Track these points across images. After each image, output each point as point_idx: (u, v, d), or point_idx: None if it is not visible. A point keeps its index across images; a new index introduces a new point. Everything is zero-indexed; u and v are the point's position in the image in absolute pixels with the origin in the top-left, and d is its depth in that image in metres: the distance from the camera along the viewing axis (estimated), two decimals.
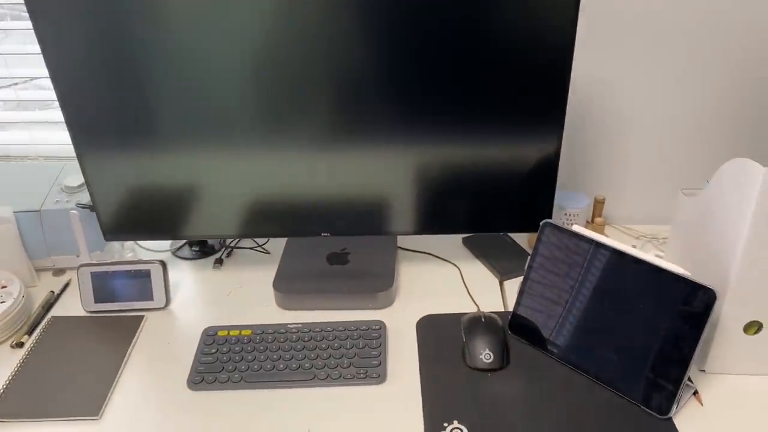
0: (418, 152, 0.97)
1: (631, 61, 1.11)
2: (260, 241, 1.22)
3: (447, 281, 1.10)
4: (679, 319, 0.79)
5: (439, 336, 0.96)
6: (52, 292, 1.08)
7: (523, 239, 1.19)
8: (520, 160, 0.98)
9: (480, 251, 1.16)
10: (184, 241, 1.21)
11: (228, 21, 0.88)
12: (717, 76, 1.11)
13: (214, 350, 0.93)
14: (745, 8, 1.05)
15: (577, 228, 0.89)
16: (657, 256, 0.84)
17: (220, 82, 0.92)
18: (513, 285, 1.07)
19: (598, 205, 1.16)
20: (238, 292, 1.08)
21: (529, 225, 1.04)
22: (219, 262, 1.16)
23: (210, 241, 1.20)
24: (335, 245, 1.12)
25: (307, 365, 0.90)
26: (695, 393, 0.85)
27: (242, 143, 0.97)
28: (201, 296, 1.08)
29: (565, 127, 0.95)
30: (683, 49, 1.09)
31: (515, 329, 0.95)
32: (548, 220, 0.91)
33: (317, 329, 0.96)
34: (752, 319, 0.84)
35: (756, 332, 0.85)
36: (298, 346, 0.93)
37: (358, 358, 0.91)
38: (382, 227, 1.05)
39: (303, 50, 0.89)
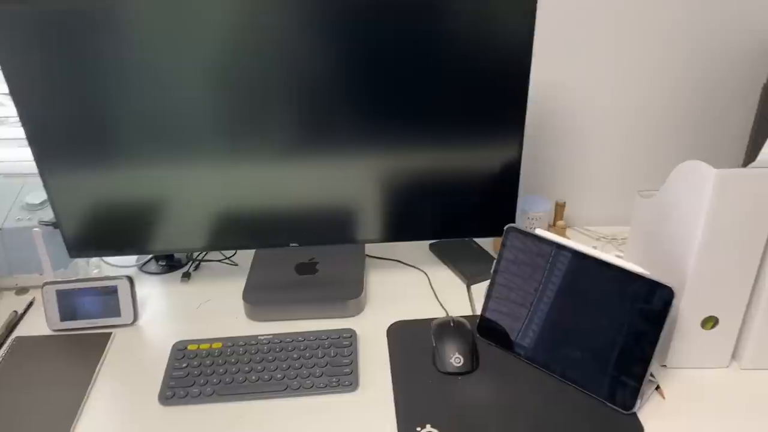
0: (383, 161, 0.99)
1: (589, 67, 1.14)
2: (228, 253, 1.22)
3: (416, 287, 1.11)
4: (639, 317, 0.82)
5: (410, 342, 0.97)
6: (15, 311, 1.06)
7: (489, 244, 1.21)
8: (482, 166, 1.00)
9: (447, 257, 1.18)
10: (151, 255, 1.20)
11: (189, 34, 0.88)
12: (672, 80, 1.15)
13: (184, 364, 0.93)
14: (698, 13, 1.10)
15: (539, 231, 0.91)
16: (617, 256, 0.87)
17: (183, 94, 0.92)
18: (480, 289, 1.09)
19: (560, 208, 1.19)
20: (207, 306, 1.08)
21: (493, 230, 1.06)
22: (187, 275, 1.16)
23: (177, 255, 1.20)
24: (303, 255, 1.13)
25: (279, 376, 0.91)
26: (657, 388, 0.88)
27: (207, 155, 0.97)
28: (170, 311, 1.07)
29: (525, 132, 0.98)
30: (639, 54, 1.13)
31: (483, 333, 0.97)
32: (512, 225, 0.94)
33: (288, 339, 0.96)
34: (709, 315, 0.87)
35: (713, 327, 0.88)
36: (270, 357, 0.93)
37: (330, 367, 0.92)
38: (350, 236, 1.06)
39: (265, 61, 0.90)
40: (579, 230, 1.25)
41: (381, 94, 0.93)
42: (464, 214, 1.05)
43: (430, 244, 1.21)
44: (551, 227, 1.19)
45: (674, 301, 0.80)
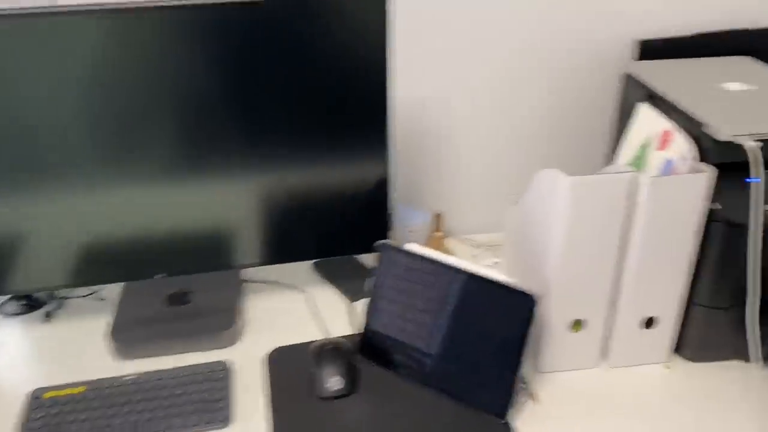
0: (256, 181, 0.96)
1: (456, 78, 1.16)
2: (94, 287, 1.14)
3: (297, 310, 1.08)
4: (506, 324, 0.83)
5: (290, 368, 0.94)
6: None
7: (372, 260, 1.20)
8: (353, 182, 0.99)
9: (330, 275, 1.16)
10: (8, 296, 1.11)
11: (49, 54, 0.82)
12: (536, 88, 1.19)
13: (41, 414, 0.86)
14: (557, 25, 1.14)
15: (410, 246, 0.91)
16: (495, 263, 0.88)
17: (40, 119, 0.85)
18: (363, 307, 1.07)
19: (437, 218, 1.20)
20: (72, 346, 1.01)
21: (370, 246, 1.05)
22: (49, 315, 1.08)
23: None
24: (175, 285, 1.07)
25: (147, 417, 0.85)
26: (529, 392, 0.89)
27: (68, 182, 0.90)
28: (29, 355, 0.99)
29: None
30: (500, 63, 1.16)
31: (365, 352, 0.95)
32: (383, 241, 0.93)
33: (157, 378, 0.91)
34: (575, 318, 0.90)
35: (580, 329, 0.91)
36: (137, 398, 0.88)
37: (202, 403, 0.87)
38: (224, 262, 1.02)
39: (130, 82, 0.85)
40: (459, 239, 1.26)
41: (249, 115, 0.90)
42: (341, 231, 1.04)
43: (314, 263, 1.19)
44: (430, 238, 1.19)
45: (535, 309, 0.81)
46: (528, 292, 0.81)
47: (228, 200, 0.96)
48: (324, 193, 0.99)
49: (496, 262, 1.18)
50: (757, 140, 0.80)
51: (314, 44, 0.88)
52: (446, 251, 1.18)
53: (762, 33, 1.15)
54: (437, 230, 1.19)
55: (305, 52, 0.88)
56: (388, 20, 0.88)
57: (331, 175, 0.98)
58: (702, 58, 1.10)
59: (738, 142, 0.80)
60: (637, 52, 1.14)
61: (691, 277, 0.89)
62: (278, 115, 0.92)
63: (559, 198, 0.83)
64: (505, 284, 0.83)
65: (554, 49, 1.16)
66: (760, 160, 0.80)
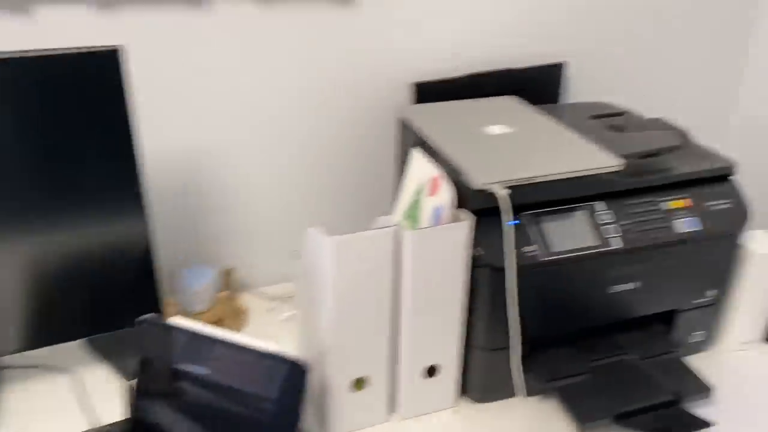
0: (7, 254, 0.83)
1: (233, 130, 1.10)
2: None
3: (64, 397, 0.96)
4: (281, 393, 0.78)
5: None
6: None
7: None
8: (112, 249, 0.90)
9: (105, 351, 1.04)
10: None
11: None
12: (317, 136, 1.16)
13: None
14: (333, 69, 1.12)
15: (175, 320, 0.83)
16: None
17: None
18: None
19: (227, 275, 1.13)
20: None
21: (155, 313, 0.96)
22: None
23: None
24: None
25: None
26: None
27: None
28: None
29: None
30: (276, 112, 1.12)
31: None
32: (144, 316, 0.84)
33: None
34: (357, 376, 0.87)
35: (363, 387, 0.88)
36: None
37: None
38: None
39: None
40: (253, 293, 1.20)
41: None
42: (108, 304, 0.93)
43: (87, 338, 1.07)
44: (217, 298, 1.12)
45: (306, 376, 0.77)
46: (295, 359, 0.76)
47: None
48: (88, 261, 0.89)
49: (292, 315, 1.13)
50: (507, 187, 0.82)
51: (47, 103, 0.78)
52: (235, 310, 1.11)
53: (526, 72, 1.22)
54: (226, 287, 1.12)
55: (42, 117, 0.78)
56: (125, 76, 0.81)
57: (91, 243, 0.88)
58: (472, 100, 1.13)
59: (490, 190, 0.82)
60: (413, 94, 1.15)
61: (465, 322, 0.89)
62: (28, 182, 0.81)
63: (325, 257, 0.80)
64: (272, 353, 0.78)
65: (333, 96, 1.14)
66: (509, 206, 0.82)
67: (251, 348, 0.79)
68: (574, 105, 1.22)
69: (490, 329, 0.88)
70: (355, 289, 0.81)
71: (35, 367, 1.01)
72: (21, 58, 0.75)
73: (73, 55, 0.77)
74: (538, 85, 1.22)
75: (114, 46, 0.78)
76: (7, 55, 0.74)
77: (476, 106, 1.10)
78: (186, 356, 0.81)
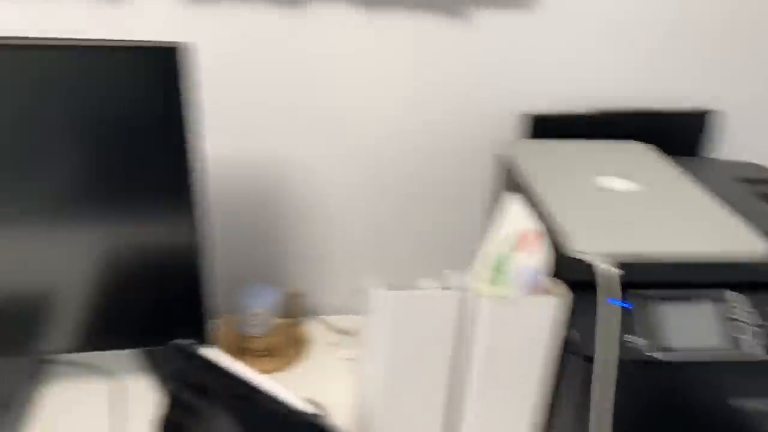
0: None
1: (317, 143, 1.01)
2: None
3: (99, 402, 0.91)
4: None
5: None
6: None
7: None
8: (164, 263, 0.83)
9: (155, 363, 0.98)
10: None
11: None
12: (403, 162, 1.04)
13: None
14: (435, 92, 1.00)
15: (205, 351, 0.75)
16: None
17: None
18: None
19: (293, 299, 1.04)
20: None
21: (198, 334, 0.89)
22: None
23: None
24: None
25: None
26: None
27: None
28: None
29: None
30: (367, 132, 1.02)
31: None
32: (176, 341, 0.76)
33: None
34: None
35: None
36: None
37: None
38: (22, 347, 0.85)
39: None
40: (321, 322, 1.10)
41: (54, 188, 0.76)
42: (158, 318, 0.88)
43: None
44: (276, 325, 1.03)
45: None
46: (314, 413, 0.65)
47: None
48: (137, 270, 0.84)
49: (354, 356, 1.02)
50: (616, 262, 0.66)
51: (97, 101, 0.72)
52: (295, 338, 1.02)
53: (664, 116, 1.03)
54: (291, 313, 1.03)
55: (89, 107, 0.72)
56: (184, 75, 0.73)
57: (140, 252, 0.82)
58: (593, 141, 0.97)
59: (591, 262, 0.66)
60: (524, 128, 1.00)
61: (545, 417, 0.74)
62: (83, 186, 0.77)
63: (380, 311, 0.68)
64: (293, 409, 0.67)
65: (430, 120, 1.02)
66: (616, 286, 0.66)
67: (273, 398, 0.69)
68: (719, 163, 1.02)
69: (577, 425, 0.72)
70: (409, 356, 0.68)
71: (80, 365, 0.97)
72: (80, 47, 0.69)
73: (130, 48, 0.71)
74: (676, 134, 1.03)
75: (174, 42, 0.70)
76: (67, 43, 0.68)
77: (597, 150, 0.94)
78: (206, 390, 0.73)
